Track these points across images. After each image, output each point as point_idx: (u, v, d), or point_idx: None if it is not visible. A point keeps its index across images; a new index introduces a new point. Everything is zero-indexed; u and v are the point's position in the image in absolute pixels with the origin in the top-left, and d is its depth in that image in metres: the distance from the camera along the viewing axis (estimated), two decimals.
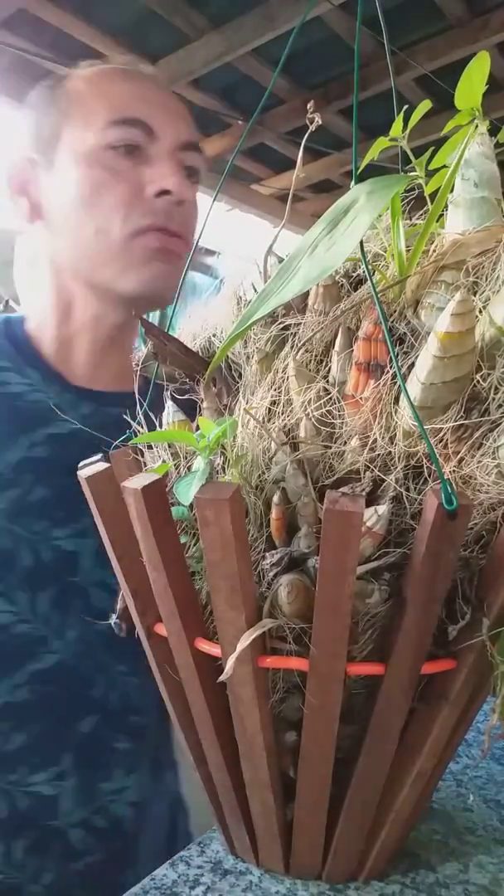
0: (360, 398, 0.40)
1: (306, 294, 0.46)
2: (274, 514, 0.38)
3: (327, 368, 0.43)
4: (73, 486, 0.44)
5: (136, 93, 0.75)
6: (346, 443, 0.39)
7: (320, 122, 0.46)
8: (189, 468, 0.42)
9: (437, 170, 0.48)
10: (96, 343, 0.77)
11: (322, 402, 0.40)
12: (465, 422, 0.37)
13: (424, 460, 0.37)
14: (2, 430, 0.70)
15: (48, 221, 0.78)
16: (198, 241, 0.60)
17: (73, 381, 0.75)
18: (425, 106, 0.47)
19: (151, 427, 0.46)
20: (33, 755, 0.67)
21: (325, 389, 0.41)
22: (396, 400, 0.39)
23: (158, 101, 0.75)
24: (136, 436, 0.44)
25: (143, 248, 0.72)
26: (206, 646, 0.40)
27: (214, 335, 0.54)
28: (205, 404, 0.48)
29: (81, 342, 0.77)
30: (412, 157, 0.47)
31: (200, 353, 0.52)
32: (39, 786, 0.67)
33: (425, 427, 0.36)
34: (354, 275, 0.48)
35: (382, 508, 0.36)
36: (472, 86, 0.44)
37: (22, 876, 0.66)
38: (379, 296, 0.40)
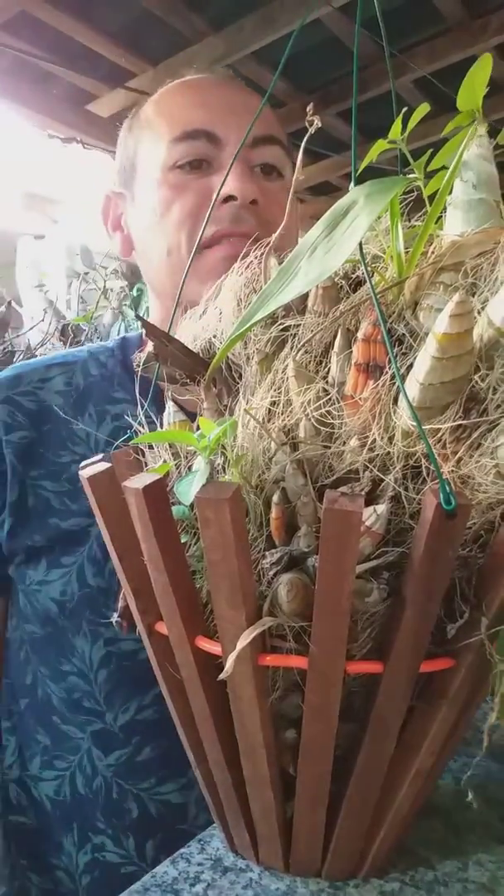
0: (360, 399, 0.40)
1: (306, 295, 0.47)
2: (274, 513, 0.38)
3: (327, 369, 0.43)
4: None
5: (197, 101, 0.73)
6: (345, 443, 0.39)
7: (319, 125, 0.46)
8: (190, 468, 0.42)
9: (435, 172, 0.48)
10: None
11: (321, 402, 0.40)
12: (464, 422, 0.37)
13: (423, 460, 0.38)
14: None
15: (138, 251, 0.79)
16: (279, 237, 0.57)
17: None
18: (423, 109, 0.47)
19: (153, 427, 0.47)
20: (162, 767, 0.68)
21: (325, 390, 0.41)
22: (395, 400, 0.39)
23: (222, 103, 0.73)
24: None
25: (212, 259, 0.70)
26: (206, 644, 0.40)
27: (215, 336, 0.54)
28: (205, 404, 0.48)
29: None
30: (411, 160, 0.47)
31: (201, 354, 0.53)
32: (169, 794, 0.68)
33: (424, 427, 0.36)
34: (353, 276, 0.48)
35: (381, 508, 0.36)
36: (474, 87, 0.44)
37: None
38: (378, 297, 0.40)
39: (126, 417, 0.72)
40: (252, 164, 0.73)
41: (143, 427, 0.46)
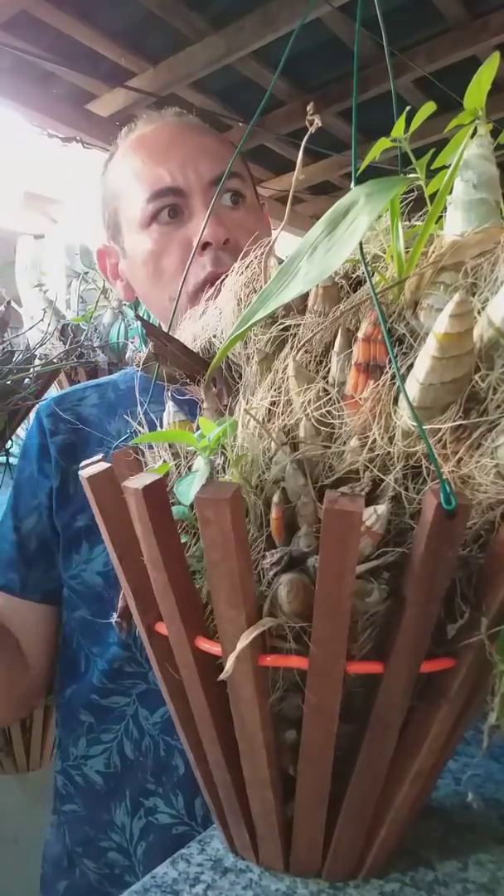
0: (360, 398, 0.40)
1: (306, 295, 0.47)
2: (274, 513, 0.38)
3: (327, 369, 0.43)
4: None
5: (158, 158, 0.80)
6: (345, 443, 0.39)
7: (320, 124, 0.46)
8: (189, 468, 0.42)
9: (436, 171, 0.48)
10: None
11: (322, 402, 0.40)
12: (464, 422, 0.37)
13: (423, 460, 0.38)
14: None
15: (140, 297, 0.88)
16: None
17: None
18: (429, 108, 0.47)
19: (152, 427, 0.47)
20: None
21: (325, 390, 0.41)
22: (395, 400, 0.39)
23: (181, 155, 0.80)
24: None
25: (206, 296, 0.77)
26: (206, 644, 0.40)
27: (215, 336, 0.54)
28: (205, 404, 0.48)
29: None
30: (413, 159, 0.47)
31: (201, 354, 0.53)
32: None
33: (424, 427, 0.36)
34: (354, 276, 0.48)
35: (381, 508, 0.36)
36: (481, 86, 0.44)
37: (203, 829, 0.69)
38: (378, 297, 0.40)
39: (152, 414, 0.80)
40: (219, 203, 0.81)
41: (142, 427, 0.46)
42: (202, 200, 0.79)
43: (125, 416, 0.81)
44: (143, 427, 0.47)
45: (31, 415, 0.98)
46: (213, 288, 0.76)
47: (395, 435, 0.39)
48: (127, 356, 1.32)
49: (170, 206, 0.79)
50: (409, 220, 0.47)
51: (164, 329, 0.52)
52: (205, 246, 0.77)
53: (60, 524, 0.80)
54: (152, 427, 0.47)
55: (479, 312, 0.39)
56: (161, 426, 0.49)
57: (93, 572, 0.77)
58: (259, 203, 0.89)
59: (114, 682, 0.76)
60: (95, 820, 0.76)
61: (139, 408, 0.49)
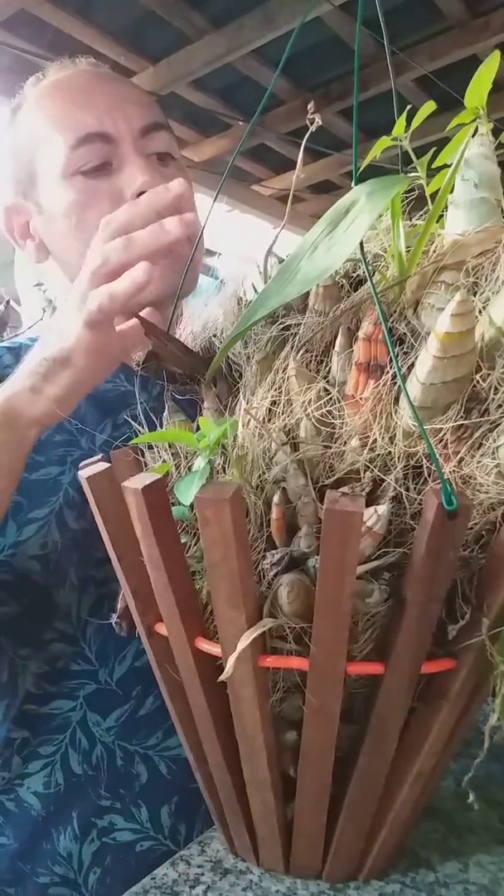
0: (360, 398, 0.40)
1: (306, 294, 0.46)
2: (274, 513, 0.38)
3: (327, 369, 0.43)
4: None
5: (82, 103, 0.73)
6: (346, 443, 0.39)
7: (320, 123, 0.46)
8: (189, 468, 0.42)
9: (437, 170, 0.48)
10: None
11: (322, 402, 0.40)
12: (465, 422, 0.37)
13: (424, 460, 0.37)
14: (88, 418, 0.71)
15: (55, 256, 0.79)
16: (201, 235, 0.58)
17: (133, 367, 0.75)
18: (430, 107, 0.47)
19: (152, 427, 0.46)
20: (168, 717, 0.59)
21: (326, 389, 0.41)
22: (396, 400, 0.39)
23: (106, 100, 0.73)
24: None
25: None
26: (206, 645, 0.40)
27: (215, 335, 0.54)
28: (205, 404, 0.48)
29: None
30: (414, 158, 0.47)
31: (201, 354, 0.53)
32: (179, 748, 0.64)
33: (425, 427, 0.36)
34: (354, 275, 0.48)
35: (382, 508, 0.36)
36: (482, 85, 0.44)
37: (171, 843, 0.64)
38: (379, 296, 0.40)
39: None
40: (148, 153, 0.74)
41: (143, 427, 0.46)
42: (133, 148, 0.72)
43: None
44: (143, 427, 0.46)
45: None
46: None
47: (395, 435, 0.38)
48: None
49: (99, 160, 0.71)
50: (410, 219, 0.46)
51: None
52: (139, 195, 0.67)
53: None
54: (107, 401, 0.43)
55: (480, 312, 0.39)
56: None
57: (25, 556, 0.66)
58: (184, 168, 0.81)
59: (55, 685, 0.66)
60: (31, 853, 0.65)
61: (138, 404, 0.47)
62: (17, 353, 0.78)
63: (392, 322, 0.42)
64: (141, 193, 0.67)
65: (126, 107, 0.73)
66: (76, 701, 0.66)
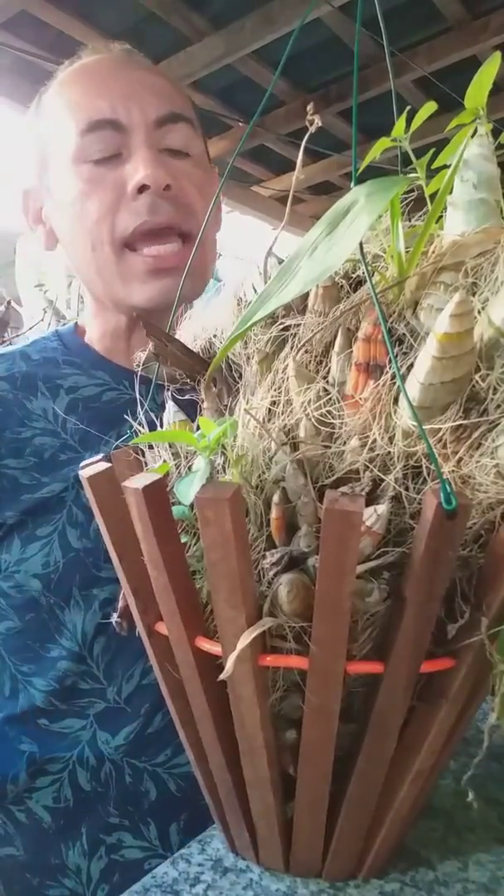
0: (360, 398, 0.40)
1: (306, 295, 0.47)
2: (274, 513, 0.38)
3: (327, 369, 0.43)
4: None
5: (98, 89, 0.71)
6: (345, 443, 0.39)
7: (320, 124, 0.46)
8: (190, 468, 0.42)
9: (436, 171, 0.48)
10: (137, 341, 0.77)
11: (322, 402, 0.40)
12: (464, 422, 0.37)
13: (423, 460, 0.38)
14: (91, 431, 0.71)
15: (63, 244, 0.78)
16: (207, 220, 0.56)
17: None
18: (430, 108, 0.47)
19: (152, 427, 0.47)
20: (176, 735, 0.60)
21: (325, 390, 0.41)
22: (396, 400, 0.39)
23: (122, 88, 0.71)
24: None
25: (133, 264, 0.71)
26: (206, 644, 0.40)
27: (215, 336, 0.54)
28: (205, 404, 0.48)
29: (125, 341, 0.78)
30: (413, 158, 0.47)
31: (201, 354, 0.53)
32: (188, 765, 0.62)
33: (424, 427, 0.36)
34: (354, 276, 0.48)
35: (382, 508, 0.36)
36: (482, 86, 0.44)
37: None
38: (378, 297, 0.40)
39: (82, 388, 0.74)
40: (159, 147, 0.71)
41: (143, 427, 0.46)
42: (144, 140, 0.69)
43: (45, 391, 0.73)
44: (143, 428, 0.47)
45: None
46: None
47: (395, 435, 0.39)
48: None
49: (107, 149, 0.69)
50: (410, 220, 0.47)
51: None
52: (141, 189, 0.67)
53: None
54: (111, 411, 0.43)
55: (479, 312, 0.39)
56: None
57: (28, 575, 0.67)
58: (210, 165, 0.79)
59: (66, 703, 0.66)
60: (40, 865, 0.65)
61: (139, 409, 0.46)
62: (10, 359, 0.77)
63: (391, 322, 0.43)
64: (142, 187, 0.68)
65: (144, 96, 0.70)
66: (86, 720, 0.66)
